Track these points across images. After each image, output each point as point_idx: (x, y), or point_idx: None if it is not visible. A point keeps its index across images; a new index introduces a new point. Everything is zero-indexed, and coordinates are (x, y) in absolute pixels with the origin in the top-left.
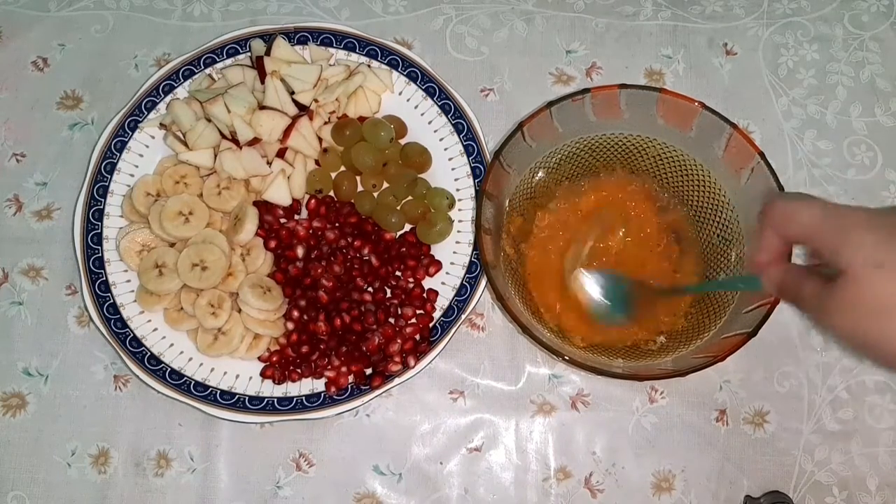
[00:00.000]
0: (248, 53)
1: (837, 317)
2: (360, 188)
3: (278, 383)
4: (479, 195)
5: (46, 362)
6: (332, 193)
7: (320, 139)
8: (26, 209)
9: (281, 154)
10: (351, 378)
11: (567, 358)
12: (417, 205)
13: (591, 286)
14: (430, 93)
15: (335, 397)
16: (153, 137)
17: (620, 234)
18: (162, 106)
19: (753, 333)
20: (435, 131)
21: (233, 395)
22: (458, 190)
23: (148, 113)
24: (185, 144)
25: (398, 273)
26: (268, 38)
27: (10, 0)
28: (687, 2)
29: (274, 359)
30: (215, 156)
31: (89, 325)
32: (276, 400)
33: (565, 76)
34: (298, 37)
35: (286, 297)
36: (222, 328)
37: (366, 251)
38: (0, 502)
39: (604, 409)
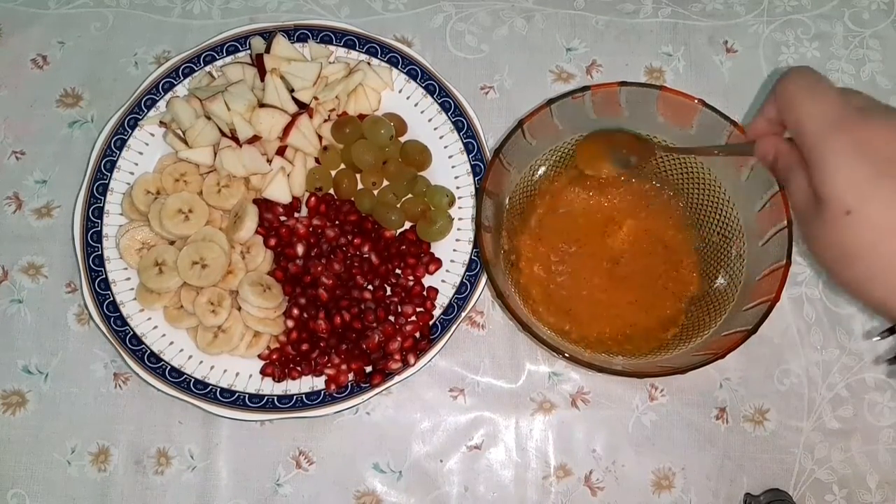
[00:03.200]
0: (248, 51)
1: (811, 238)
2: (359, 186)
3: (278, 381)
4: (480, 193)
5: (46, 360)
6: (332, 191)
7: (320, 137)
8: (26, 207)
9: (281, 152)
10: (351, 376)
11: (567, 355)
12: (417, 203)
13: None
14: (429, 90)
15: (335, 395)
16: (153, 135)
17: (622, 230)
18: (162, 104)
19: (753, 331)
20: (435, 129)
21: (233, 392)
22: (458, 188)
23: (148, 111)
24: (185, 142)
25: (398, 271)
26: (267, 35)
27: None
28: None
29: (274, 357)
30: (215, 154)
31: (89, 322)
32: (275, 398)
33: (565, 74)
34: (298, 34)
35: (286, 295)
36: (222, 326)
37: (366, 249)
38: (0, 500)
39: (604, 407)
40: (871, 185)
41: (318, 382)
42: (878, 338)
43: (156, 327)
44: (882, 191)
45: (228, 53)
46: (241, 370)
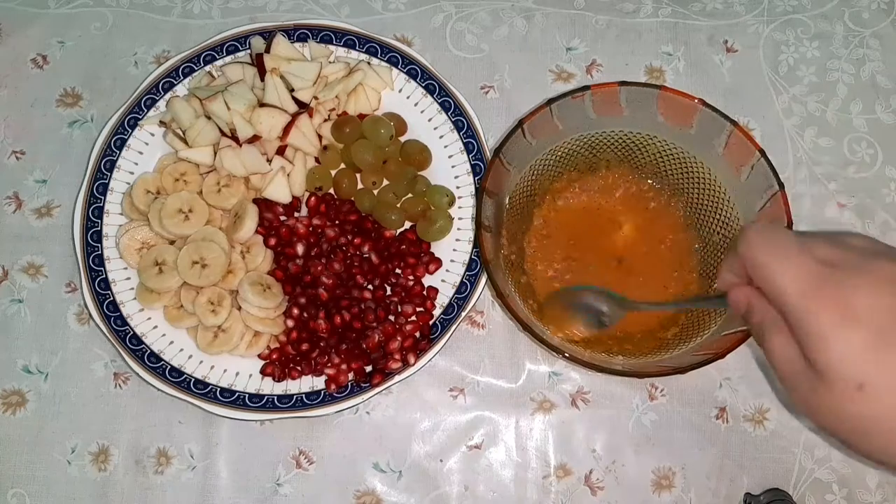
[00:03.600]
0: (248, 51)
1: (814, 411)
2: (359, 186)
3: (278, 381)
4: (480, 192)
5: (46, 360)
6: (331, 191)
7: (320, 136)
8: (26, 207)
9: (281, 151)
10: (351, 375)
11: (567, 355)
12: (417, 202)
13: (570, 305)
14: (430, 90)
15: (335, 395)
16: (153, 135)
17: (622, 231)
18: (162, 103)
19: None
20: (435, 129)
21: (233, 392)
22: (458, 187)
23: (147, 110)
24: (185, 142)
25: (398, 271)
26: (267, 35)
27: None
28: None
29: (274, 356)
30: (215, 153)
31: (89, 322)
32: (275, 397)
33: (565, 73)
34: (298, 34)
35: (286, 294)
36: (222, 326)
37: (366, 249)
38: (0, 500)
39: (604, 407)
40: (875, 354)
41: (318, 382)
42: None
43: (156, 327)
44: (891, 358)
45: (228, 53)
46: (241, 370)
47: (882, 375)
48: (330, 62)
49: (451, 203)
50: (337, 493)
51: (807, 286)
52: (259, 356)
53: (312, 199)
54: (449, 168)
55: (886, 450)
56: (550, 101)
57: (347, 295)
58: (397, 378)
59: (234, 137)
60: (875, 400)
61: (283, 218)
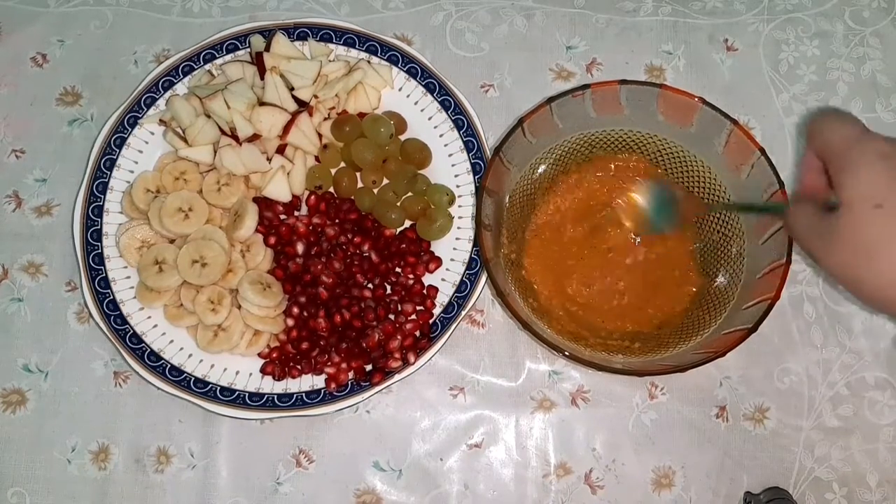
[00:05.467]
0: (248, 49)
1: (829, 248)
2: (359, 184)
3: (278, 380)
4: (480, 191)
5: (46, 359)
6: (331, 190)
7: (320, 135)
8: (26, 205)
9: (280, 150)
10: (351, 374)
11: (567, 354)
12: (417, 201)
13: (641, 200)
14: (430, 89)
15: (335, 394)
16: (153, 134)
17: (622, 229)
18: (161, 102)
19: (754, 329)
20: (435, 127)
21: (233, 391)
22: (458, 186)
23: (147, 109)
24: (185, 141)
25: (398, 269)
26: (267, 33)
27: None
28: None
29: (274, 355)
30: (215, 152)
31: (89, 321)
32: (275, 396)
33: (565, 72)
34: (298, 32)
35: (286, 293)
36: (222, 325)
37: (366, 247)
38: (0, 499)
39: (604, 406)
40: (893, 184)
41: (318, 381)
42: None
43: (156, 326)
44: None
45: (228, 52)
46: (241, 369)
47: None
48: (330, 61)
49: (451, 202)
50: (337, 491)
51: (855, 135)
52: (259, 355)
53: (312, 197)
54: (449, 167)
55: (886, 275)
56: (550, 100)
57: (347, 294)
58: (397, 377)
59: (234, 136)
60: (889, 218)
61: (283, 217)
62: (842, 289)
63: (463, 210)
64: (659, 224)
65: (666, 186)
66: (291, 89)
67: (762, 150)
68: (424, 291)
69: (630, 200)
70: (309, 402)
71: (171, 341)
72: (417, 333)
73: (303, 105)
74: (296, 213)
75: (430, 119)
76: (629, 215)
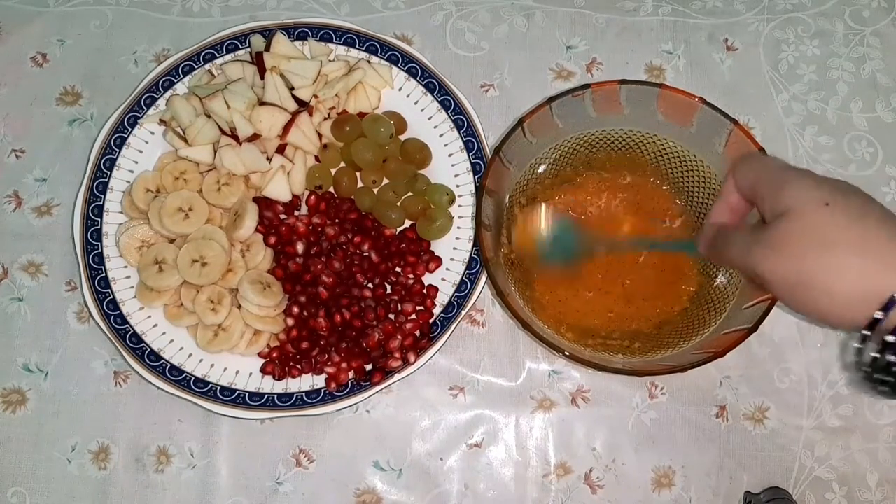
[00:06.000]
0: (248, 49)
1: (776, 252)
2: (359, 184)
3: (278, 379)
4: (479, 191)
5: (46, 358)
6: (331, 189)
7: (320, 135)
8: (26, 205)
9: (280, 150)
10: (351, 374)
11: (567, 354)
12: (417, 201)
13: (546, 224)
14: (430, 88)
15: (335, 393)
16: (153, 133)
17: (622, 228)
18: (161, 102)
19: (754, 329)
20: (435, 127)
21: (233, 391)
22: (458, 186)
23: (147, 109)
24: (185, 140)
25: (398, 269)
26: (267, 33)
27: None
28: None
29: (274, 355)
30: (215, 152)
31: (89, 321)
32: (276, 396)
33: (565, 72)
34: (298, 32)
35: (286, 293)
36: (222, 324)
37: (366, 247)
38: (0, 498)
39: (604, 405)
40: (836, 191)
41: (319, 381)
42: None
43: (156, 325)
44: (846, 198)
45: (228, 51)
46: (242, 368)
47: (843, 199)
48: (330, 60)
49: (451, 201)
50: (337, 491)
51: (784, 166)
52: (259, 355)
53: (312, 197)
54: (449, 166)
55: (842, 266)
56: (550, 100)
57: (347, 293)
58: (397, 376)
59: (234, 136)
60: (840, 212)
61: (283, 216)
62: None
63: (463, 210)
64: (555, 256)
65: (574, 225)
66: (291, 89)
67: (762, 150)
68: (424, 291)
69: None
70: (309, 401)
71: (171, 341)
72: (417, 333)
73: (303, 105)
74: (296, 213)
75: (430, 119)
76: (524, 244)
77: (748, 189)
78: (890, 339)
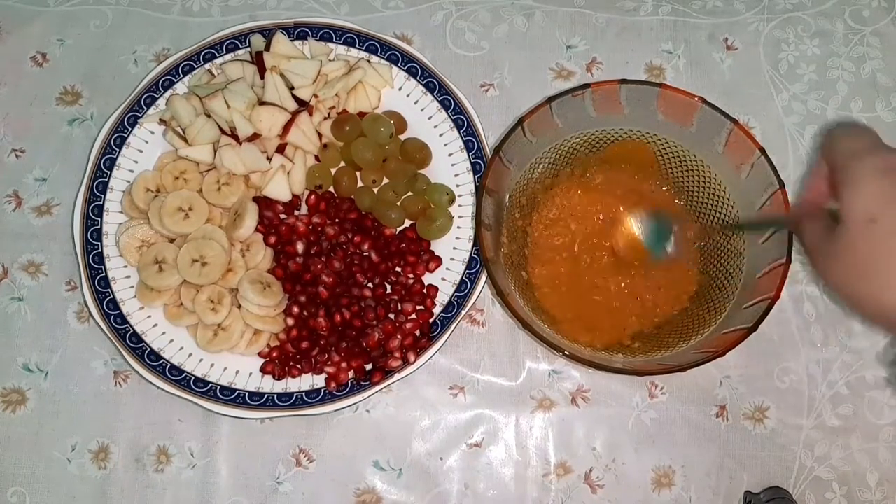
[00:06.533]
0: (248, 49)
1: (828, 264)
2: (359, 184)
3: (278, 379)
4: (480, 191)
5: (46, 358)
6: (331, 189)
7: (320, 135)
8: (26, 205)
9: (280, 150)
10: (351, 374)
11: (567, 353)
12: (417, 200)
13: (637, 228)
14: (430, 88)
15: (335, 393)
16: (153, 133)
17: (622, 228)
18: (161, 101)
19: (753, 328)
20: (435, 127)
21: (233, 390)
22: (458, 185)
23: (147, 108)
24: (185, 140)
25: (398, 269)
26: (267, 33)
27: None
28: None
29: (274, 354)
30: (215, 151)
31: (89, 320)
32: (276, 396)
33: (566, 71)
34: (298, 32)
35: (286, 292)
36: (222, 324)
37: (366, 247)
38: (0, 498)
39: (604, 405)
40: (889, 199)
41: (319, 380)
42: None
43: (156, 325)
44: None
45: (228, 51)
46: (241, 368)
47: (892, 213)
48: (330, 60)
49: (451, 201)
50: (337, 491)
51: (863, 149)
52: (259, 354)
53: (312, 197)
54: (449, 166)
55: (880, 291)
56: (550, 99)
57: (347, 293)
58: (397, 376)
59: (234, 135)
60: (880, 232)
61: (282, 216)
62: (844, 306)
63: (463, 209)
64: (658, 253)
65: (662, 215)
66: (291, 88)
67: (762, 150)
68: (424, 291)
69: (626, 232)
70: (309, 401)
71: (171, 341)
72: (417, 333)
73: (303, 104)
74: (296, 213)
75: (430, 118)
76: (627, 247)
77: (829, 164)
78: None
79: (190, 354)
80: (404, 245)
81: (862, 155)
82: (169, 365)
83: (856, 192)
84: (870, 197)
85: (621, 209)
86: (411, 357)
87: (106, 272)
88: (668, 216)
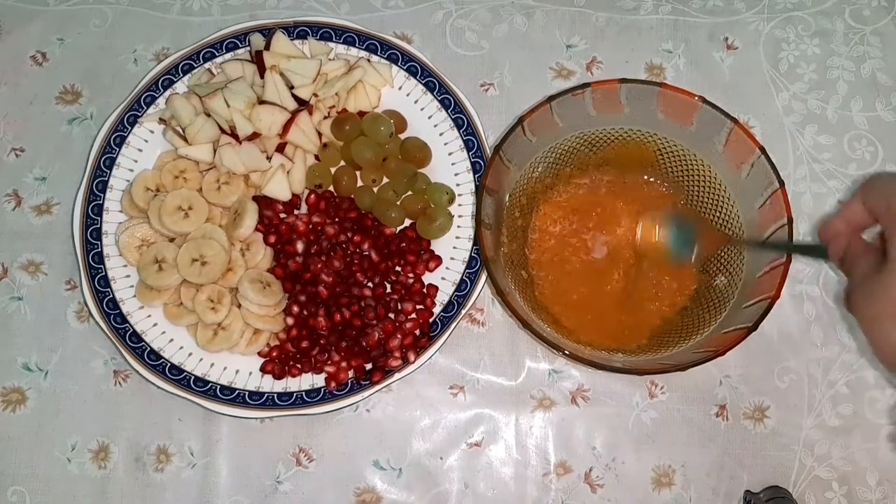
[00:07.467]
0: (248, 48)
1: (866, 301)
2: (359, 183)
3: (278, 378)
4: (480, 190)
5: (46, 357)
6: (331, 188)
7: (320, 134)
8: (25, 204)
9: (280, 149)
10: (351, 373)
11: (567, 353)
12: (417, 200)
13: (659, 232)
14: (429, 87)
15: (335, 392)
16: (152, 132)
17: (622, 228)
18: (161, 100)
19: (754, 328)
20: (435, 126)
21: (233, 390)
22: (458, 185)
23: (147, 107)
24: (185, 139)
25: (398, 268)
26: (267, 32)
27: None
28: None
29: (274, 354)
30: (215, 151)
31: (89, 320)
32: (275, 395)
33: (566, 71)
34: (298, 31)
35: (286, 292)
36: (222, 323)
37: (365, 246)
38: (0, 497)
39: (604, 404)
40: None
41: (318, 380)
42: None
43: (155, 324)
44: None
45: (228, 50)
46: (241, 367)
47: None
48: (330, 59)
49: (451, 200)
50: (337, 490)
51: None
52: (259, 354)
53: (312, 196)
54: (449, 166)
55: None
56: (550, 99)
57: (347, 292)
58: (397, 376)
59: (234, 135)
60: None
61: (282, 215)
62: (869, 349)
63: (463, 209)
64: (680, 257)
65: (686, 219)
66: (291, 88)
67: (762, 149)
68: (424, 290)
69: (648, 235)
70: (309, 400)
71: (171, 340)
72: (417, 332)
73: (303, 104)
74: (296, 212)
75: (429, 118)
76: (649, 250)
77: (870, 208)
78: None
79: (190, 354)
80: (404, 244)
81: None
82: (169, 364)
83: None
84: None
85: (640, 212)
86: (411, 356)
87: (106, 271)
88: (690, 221)
